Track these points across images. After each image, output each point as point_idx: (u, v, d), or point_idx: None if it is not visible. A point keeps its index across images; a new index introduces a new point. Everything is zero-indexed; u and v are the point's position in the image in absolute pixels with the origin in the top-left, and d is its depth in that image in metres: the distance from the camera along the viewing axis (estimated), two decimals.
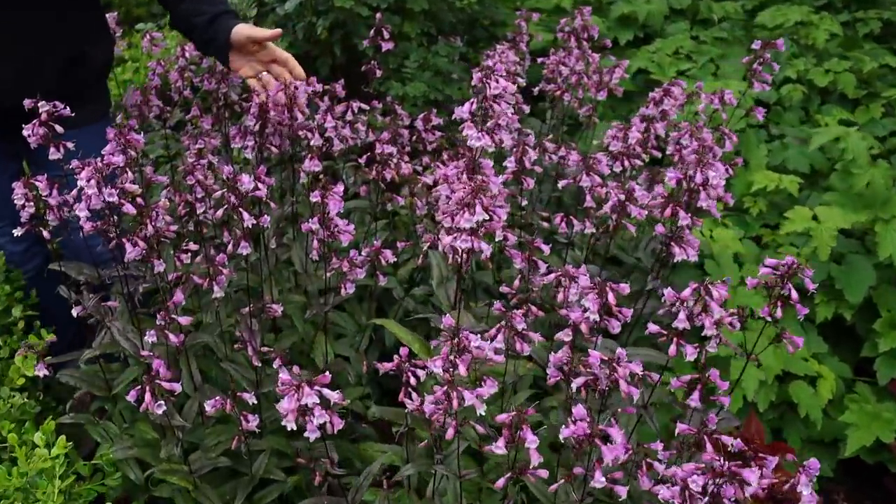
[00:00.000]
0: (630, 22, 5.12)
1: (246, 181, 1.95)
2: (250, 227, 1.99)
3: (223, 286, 2.20)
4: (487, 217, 1.89)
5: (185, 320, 1.94)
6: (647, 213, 2.43)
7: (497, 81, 1.91)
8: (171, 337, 1.91)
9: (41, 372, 2.14)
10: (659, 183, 2.74)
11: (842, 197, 3.34)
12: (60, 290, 2.31)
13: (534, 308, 2.24)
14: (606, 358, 1.77)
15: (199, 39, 2.54)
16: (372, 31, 3.34)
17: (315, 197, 2.15)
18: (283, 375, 1.63)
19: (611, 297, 1.87)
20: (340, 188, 2.22)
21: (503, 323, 2.01)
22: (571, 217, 2.50)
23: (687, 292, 1.74)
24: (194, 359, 2.35)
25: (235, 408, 1.93)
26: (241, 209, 1.98)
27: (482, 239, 1.94)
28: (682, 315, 1.73)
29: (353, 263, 2.34)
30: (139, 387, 1.87)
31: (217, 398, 1.96)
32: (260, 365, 2.24)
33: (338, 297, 2.38)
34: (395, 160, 2.80)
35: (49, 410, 2.70)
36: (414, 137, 3.42)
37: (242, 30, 2.43)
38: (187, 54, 3.23)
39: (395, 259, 2.56)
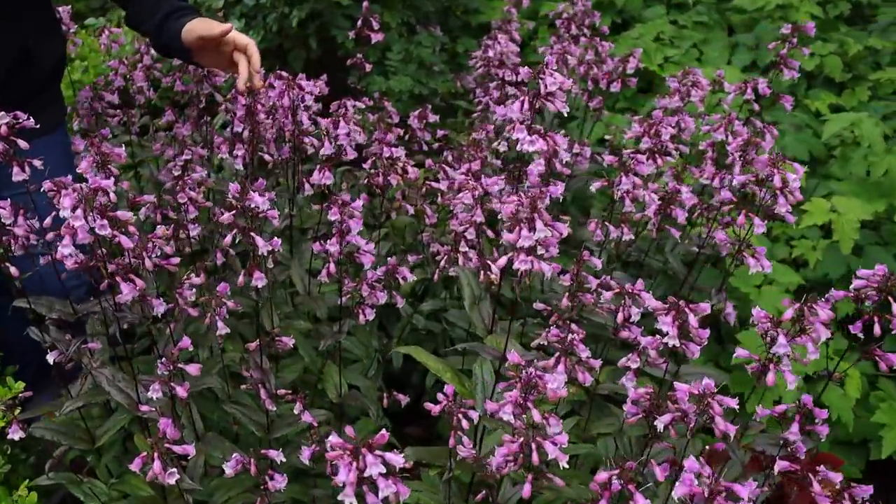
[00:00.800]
0: (607, 7, 4.92)
1: (259, 201, 1.65)
2: (266, 254, 1.69)
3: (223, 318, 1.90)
4: (548, 233, 1.63)
5: (193, 369, 1.64)
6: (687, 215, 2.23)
7: (552, 76, 1.66)
8: (179, 390, 1.60)
9: (16, 435, 1.81)
10: (678, 180, 2.54)
11: (857, 186, 3.21)
12: (31, 333, 1.97)
13: (574, 327, 2.02)
14: (696, 391, 1.55)
15: (156, 45, 2.24)
16: (359, 22, 3.04)
17: (334, 215, 1.86)
18: (334, 439, 1.35)
19: (692, 320, 1.65)
20: (359, 203, 1.93)
21: (564, 351, 1.77)
22: (607, 223, 2.26)
23: (788, 314, 1.52)
24: (193, 402, 2.04)
25: (258, 466, 1.64)
26: (253, 234, 1.68)
27: (539, 258, 1.68)
28: (782, 340, 1.52)
29: (374, 286, 2.06)
30: (143, 454, 1.56)
31: (237, 457, 1.67)
32: (274, 409, 1.95)
33: (349, 324, 2.10)
34: (401, 164, 2.52)
35: (18, 463, 2.36)
36: (406, 136, 3.15)
37: (193, 31, 2.09)
38: (152, 51, 2.87)
39: (414, 278, 2.29)
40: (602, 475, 1.38)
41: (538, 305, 2.27)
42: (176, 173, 2.19)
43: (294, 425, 2.06)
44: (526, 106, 1.68)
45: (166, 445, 1.56)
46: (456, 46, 4.32)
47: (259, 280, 1.71)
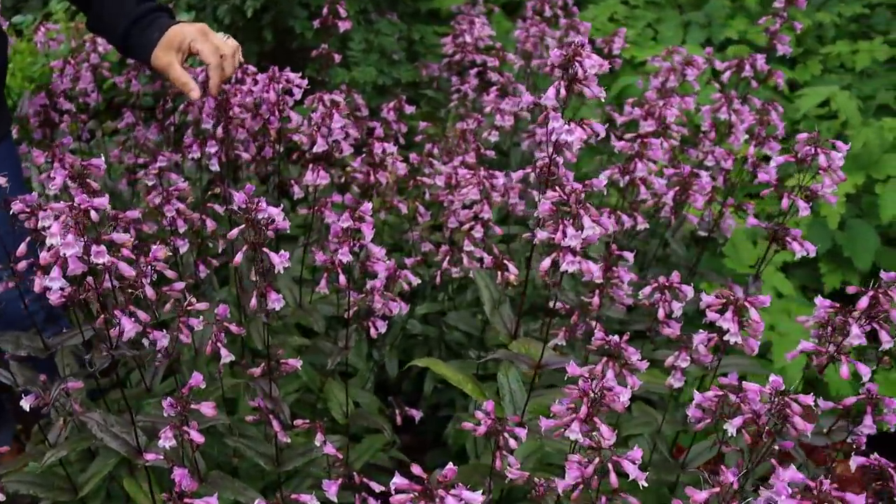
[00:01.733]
0: None
1: (274, 212, 1.45)
2: (282, 271, 1.49)
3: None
4: (597, 230, 1.49)
5: (209, 409, 1.43)
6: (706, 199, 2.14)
7: (591, 58, 1.52)
8: (195, 435, 1.39)
9: None
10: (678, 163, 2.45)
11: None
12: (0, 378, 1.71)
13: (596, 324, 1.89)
14: (769, 390, 1.44)
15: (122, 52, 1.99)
16: (325, 10, 2.81)
17: (345, 221, 1.67)
18: (400, 481, 1.18)
19: (754, 315, 1.54)
20: (369, 206, 1.75)
21: (612, 354, 1.64)
22: (619, 213, 2.15)
23: (863, 302, 1.43)
24: None
25: None
26: (265, 251, 1.47)
27: (581, 257, 1.54)
28: (856, 330, 1.43)
29: (387, 296, 1.88)
30: None
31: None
32: (288, 440, 1.75)
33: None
34: (391, 159, 2.34)
35: None
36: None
37: (167, 68, 1.87)
38: (100, 48, 2.59)
39: (418, 281, 2.12)
40: (700, 495, 1.25)
41: (557, 304, 2.14)
42: (150, 183, 1.95)
43: (307, 456, 1.86)
44: (563, 92, 1.54)
45: (186, 502, 1.35)
46: (412, 34, 4.13)
47: (276, 302, 1.50)
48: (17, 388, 1.73)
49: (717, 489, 1.26)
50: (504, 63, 2.82)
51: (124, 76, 2.52)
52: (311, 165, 1.86)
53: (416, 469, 1.22)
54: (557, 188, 1.58)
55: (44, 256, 1.27)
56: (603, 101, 2.86)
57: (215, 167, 1.89)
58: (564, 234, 1.51)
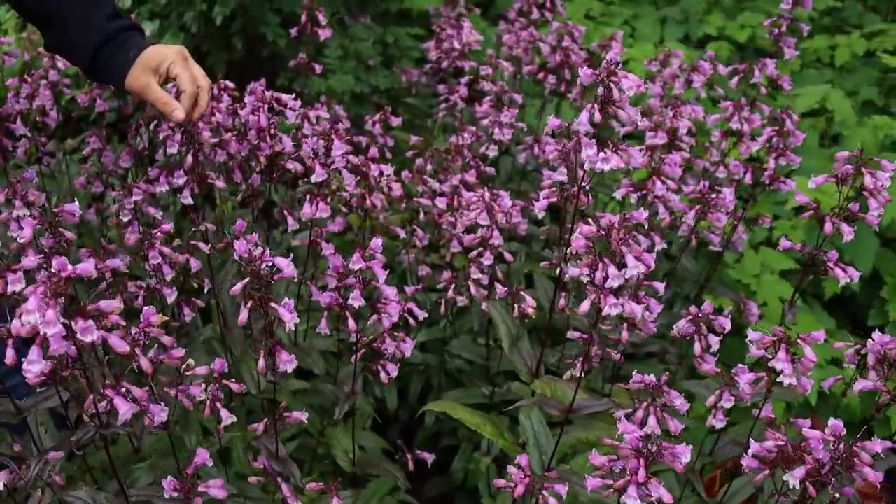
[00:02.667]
0: None
1: (282, 263, 1.28)
2: (293, 328, 1.32)
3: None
4: (641, 270, 1.36)
5: (218, 491, 1.25)
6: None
7: (627, 78, 1.38)
8: None
9: None
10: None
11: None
12: None
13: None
14: (831, 437, 1.33)
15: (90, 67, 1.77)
16: (303, 17, 2.63)
17: (357, 263, 1.50)
18: None
19: (808, 353, 1.42)
20: (379, 243, 1.59)
21: (653, 396, 1.51)
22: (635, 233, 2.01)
23: None
24: None
25: None
26: (275, 305, 1.30)
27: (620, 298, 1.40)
28: None
29: (396, 336, 1.72)
30: None
31: None
32: None
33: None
34: (385, 181, 2.17)
35: None
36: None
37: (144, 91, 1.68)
38: (60, 64, 2.36)
39: (425, 315, 1.96)
40: None
41: (573, 334, 2.00)
42: (125, 219, 1.75)
43: None
44: (597, 116, 1.39)
45: None
46: (385, 37, 3.95)
47: (288, 363, 1.33)
48: None
49: None
50: (497, 70, 2.67)
51: (87, 94, 2.29)
52: (309, 197, 1.68)
53: None
54: (591, 221, 1.44)
55: (17, 326, 1.08)
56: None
57: (187, 200, 1.70)
58: (606, 276, 1.37)
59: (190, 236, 1.71)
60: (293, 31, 2.67)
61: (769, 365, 1.44)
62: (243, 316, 1.30)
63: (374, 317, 1.62)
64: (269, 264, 1.32)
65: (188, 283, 1.89)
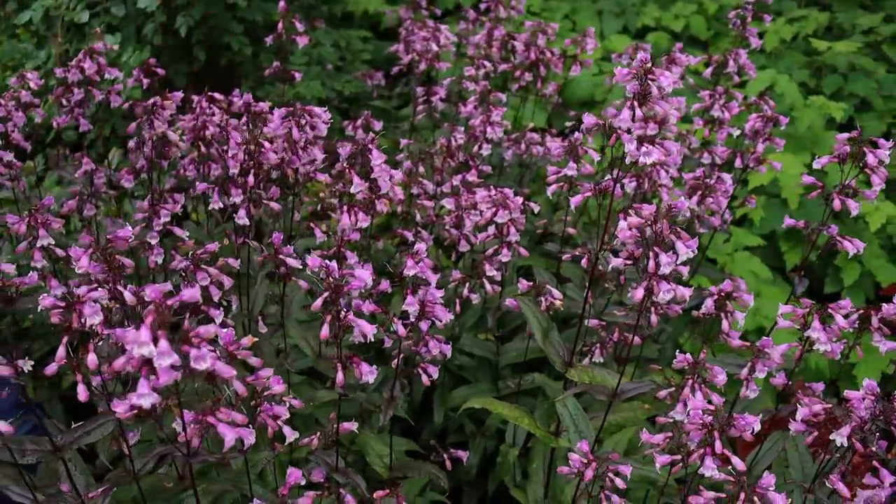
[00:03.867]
0: None
1: (364, 275, 1.28)
2: (371, 339, 1.33)
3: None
4: (691, 255, 1.43)
5: None
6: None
7: (665, 76, 1.44)
8: None
9: None
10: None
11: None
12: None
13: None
14: (871, 395, 1.45)
15: None
16: (279, 25, 2.59)
17: (410, 268, 1.52)
18: None
19: (840, 321, 1.54)
20: (423, 247, 1.61)
21: (695, 374, 1.60)
22: None
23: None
24: None
25: None
26: (355, 319, 1.31)
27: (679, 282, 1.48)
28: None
29: (440, 339, 1.75)
30: None
31: None
32: None
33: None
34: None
35: None
36: None
37: None
38: (32, 84, 2.26)
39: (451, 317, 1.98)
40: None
41: (592, 322, 2.08)
42: (153, 241, 1.70)
43: None
44: (638, 112, 1.46)
45: None
46: (339, 40, 3.93)
47: (370, 374, 1.34)
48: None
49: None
50: (478, 70, 2.71)
51: (70, 110, 2.20)
52: (345, 207, 1.68)
53: None
54: (633, 212, 1.51)
55: (121, 363, 1.06)
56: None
57: (243, 220, 1.67)
58: (658, 263, 1.44)
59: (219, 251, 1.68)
60: (268, 39, 2.63)
61: (805, 335, 1.55)
62: (325, 331, 1.30)
63: (422, 321, 1.64)
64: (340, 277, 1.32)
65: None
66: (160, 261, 1.62)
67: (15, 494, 1.52)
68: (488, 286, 2.12)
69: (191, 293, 1.06)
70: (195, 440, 1.18)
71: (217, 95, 2.28)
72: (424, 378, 1.77)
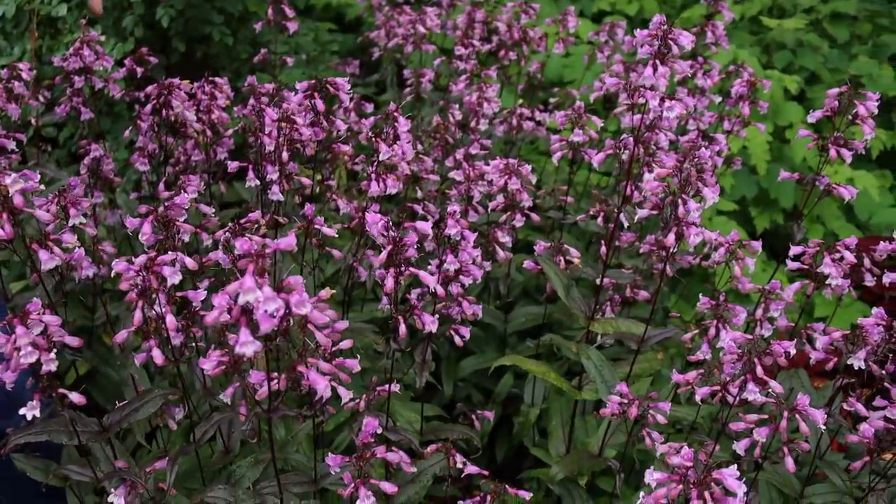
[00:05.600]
0: None
1: (424, 227, 1.34)
2: (433, 289, 1.38)
3: None
4: (717, 199, 1.54)
5: (393, 456, 1.30)
6: None
7: (683, 35, 1.54)
8: (385, 486, 1.27)
9: None
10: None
11: (756, 115, 3.50)
12: None
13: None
14: (882, 321, 1.58)
15: None
16: (269, 10, 2.61)
17: (451, 227, 1.58)
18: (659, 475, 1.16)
19: (849, 256, 1.67)
20: (456, 207, 1.67)
21: (719, 318, 1.70)
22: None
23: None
24: None
25: None
26: (417, 271, 1.36)
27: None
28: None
29: (472, 300, 1.81)
30: None
31: None
32: (415, 471, 1.64)
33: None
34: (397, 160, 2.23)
35: None
36: None
37: None
38: (24, 76, 2.22)
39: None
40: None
41: (605, 281, 2.17)
42: (180, 218, 1.71)
43: (417, 482, 1.75)
44: (661, 69, 1.55)
45: None
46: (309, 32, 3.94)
47: (432, 325, 1.39)
48: (100, 483, 1.47)
49: None
50: (469, 50, 2.78)
51: (66, 104, 2.17)
52: (374, 175, 1.73)
53: (673, 459, 1.19)
54: (657, 164, 1.61)
55: (214, 316, 1.08)
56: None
57: (277, 196, 1.69)
58: (688, 209, 1.54)
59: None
60: (258, 26, 2.64)
61: (817, 271, 1.67)
62: (390, 283, 1.35)
63: (455, 283, 1.69)
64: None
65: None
66: (186, 238, 1.64)
67: (75, 473, 1.51)
68: (501, 253, 2.19)
69: (287, 241, 1.10)
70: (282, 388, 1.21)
71: (218, 80, 2.29)
72: (457, 339, 1.82)
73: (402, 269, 1.36)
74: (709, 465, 1.16)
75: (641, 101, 1.61)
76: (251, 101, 2.02)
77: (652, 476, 1.18)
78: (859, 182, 3.34)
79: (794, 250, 1.74)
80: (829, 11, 4.43)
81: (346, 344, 1.41)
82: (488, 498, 1.56)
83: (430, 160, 2.49)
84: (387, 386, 1.69)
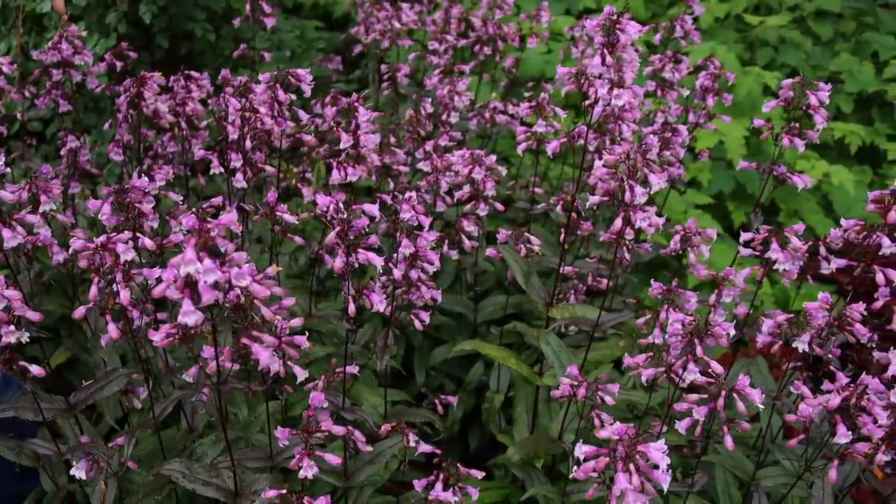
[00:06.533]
0: None
1: (372, 210, 1.39)
2: (380, 269, 1.43)
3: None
4: (664, 185, 1.59)
5: (339, 429, 1.35)
6: None
7: (631, 25, 1.59)
8: (329, 457, 1.32)
9: None
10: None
11: (722, 108, 3.56)
12: None
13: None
14: (826, 305, 1.62)
15: None
16: (248, 6, 2.66)
17: (406, 212, 1.63)
18: (587, 448, 1.20)
19: (795, 241, 1.71)
20: (414, 195, 1.72)
21: (671, 302, 1.75)
22: None
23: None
24: None
25: None
26: (364, 252, 1.41)
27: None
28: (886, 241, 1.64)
29: (431, 285, 1.86)
30: None
31: None
32: (371, 450, 1.69)
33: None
34: (367, 152, 2.28)
35: None
36: None
37: None
38: (4, 69, 2.28)
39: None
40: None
41: (567, 269, 2.22)
42: (149, 205, 1.76)
43: (376, 462, 1.81)
44: (608, 59, 1.60)
45: None
46: (293, 28, 4.00)
47: (380, 304, 1.44)
48: (62, 457, 1.52)
49: (847, 392, 1.41)
50: (444, 45, 2.83)
51: (44, 97, 2.23)
52: (335, 163, 1.78)
53: (602, 433, 1.24)
54: (606, 151, 1.65)
55: (160, 289, 1.14)
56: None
57: (241, 183, 1.74)
58: (634, 194, 1.58)
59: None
60: (236, 22, 2.70)
61: (765, 256, 1.72)
62: (338, 263, 1.40)
63: (416, 269, 1.74)
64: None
65: None
66: (156, 226, 1.69)
67: (41, 448, 1.57)
68: (467, 242, 2.24)
69: (228, 217, 1.15)
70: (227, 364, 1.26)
71: (194, 74, 2.35)
72: (417, 323, 1.87)
73: (353, 251, 1.41)
74: (635, 439, 1.20)
75: (592, 90, 1.65)
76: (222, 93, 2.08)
77: (581, 450, 1.23)
78: (836, 177, 3.39)
79: (745, 236, 1.79)
80: (813, 9, 4.47)
81: (296, 322, 1.46)
82: (441, 475, 1.61)
83: (402, 152, 2.54)
84: (347, 368, 1.74)
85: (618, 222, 1.61)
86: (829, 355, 1.68)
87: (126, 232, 1.29)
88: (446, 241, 2.29)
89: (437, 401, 2.24)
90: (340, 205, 1.38)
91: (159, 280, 1.15)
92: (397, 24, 2.88)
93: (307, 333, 1.48)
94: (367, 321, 2.24)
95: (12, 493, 2.02)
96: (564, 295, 2.27)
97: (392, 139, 2.61)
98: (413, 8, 3.44)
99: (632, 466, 1.18)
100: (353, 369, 1.75)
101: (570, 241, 2.14)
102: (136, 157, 2.10)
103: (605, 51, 1.61)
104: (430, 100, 2.64)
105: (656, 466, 1.19)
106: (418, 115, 2.57)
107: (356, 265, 1.43)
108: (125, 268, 1.25)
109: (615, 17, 1.61)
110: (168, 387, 1.73)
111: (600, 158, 1.67)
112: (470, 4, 3.35)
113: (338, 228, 1.38)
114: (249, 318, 1.27)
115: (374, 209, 1.40)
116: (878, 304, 1.66)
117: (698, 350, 1.46)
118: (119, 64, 2.44)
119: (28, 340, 1.42)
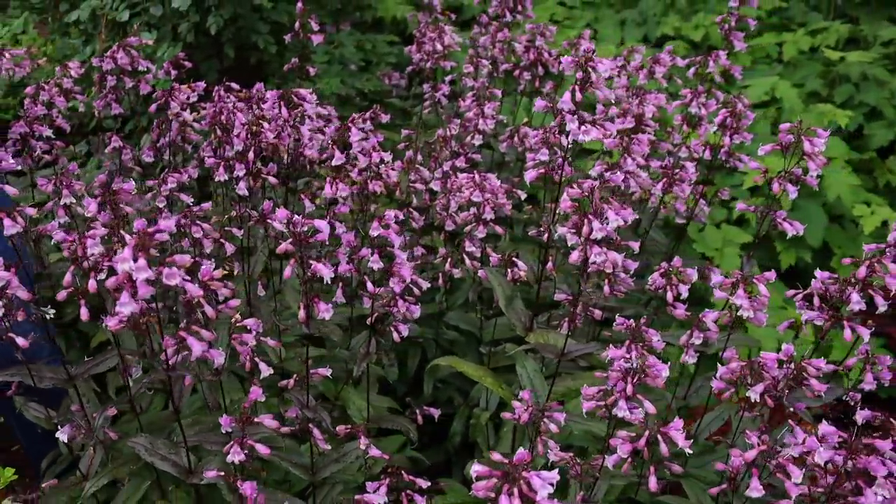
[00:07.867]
0: None
1: (321, 224, 1.50)
2: (329, 281, 1.54)
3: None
4: (621, 222, 1.61)
5: (270, 422, 1.47)
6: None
7: (603, 63, 1.63)
8: (260, 448, 1.44)
9: None
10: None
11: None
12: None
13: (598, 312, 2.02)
14: (784, 357, 1.59)
15: None
16: (297, 24, 2.85)
17: (375, 230, 1.73)
18: (479, 468, 1.26)
19: (762, 290, 1.68)
20: (392, 214, 1.81)
21: (634, 337, 1.75)
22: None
23: (861, 272, 1.59)
24: None
25: None
26: (313, 261, 1.52)
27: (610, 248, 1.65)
28: (856, 297, 1.59)
29: (409, 300, 1.95)
30: None
31: None
32: (329, 448, 1.79)
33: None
34: (385, 168, 2.39)
35: None
36: None
37: None
38: (73, 73, 2.55)
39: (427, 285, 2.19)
40: (750, 454, 1.38)
41: (559, 296, 2.24)
42: (161, 205, 1.95)
43: (342, 462, 1.91)
44: (578, 96, 1.64)
45: None
46: (364, 43, 4.19)
47: (326, 312, 1.55)
48: (53, 422, 1.72)
49: (764, 447, 1.39)
50: (478, 69, 2.92)
51: (102, 100, 2.48)
52: (329, 179, 1.90)
53: (495, 456, 1.29)
54: (576, 185, 1.69)
55: (112, 282, 1.29)
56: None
57: (243, 192, 1.91)
58: (591, 229, 1.61)
59: (223, 223, 1.92)
60: (287, 37, 2.88)
61: (730, 301, 1.70)
62: (288, 271, 1.52)
63: (390, 283, 1.84)
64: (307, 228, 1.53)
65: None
66: (142, 224, 1.86)
67: (32, 410, 1.77)
68: (468, 261, 2.31)
69: (167, 224, 1.29)
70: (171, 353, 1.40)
71: (234, 85, 2.54)
72: (395, 335, 1.96)
73: (306, 262, 1.53)
74: (522, 465, 1.24)
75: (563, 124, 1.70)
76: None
77: (474, 469, 1.28)
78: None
79: (715, 280, 1.77)
80: None
81: (251, 323, 1.59)
82: (387, 480, 1.69)
83: (426, 171, 2.64)
84: (318, 370, 1.86)
85: (574, 255, 1.64)
86: (792, 409, 1.64)
87: (100, 229, 1.45)
88: (450, 260, 2.37)
89: (417, 411, 2.32)
90: (297, 217, 1.50)
91: (111, 272, 1.30)
92: (439, 46, 2.99)
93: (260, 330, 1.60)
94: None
95: (41, 453, 2.27)
96: (559, 323, 2.30)
97: (420, 157, 2.72)
98: (473, 29, 3.55)
99: (515, 490, 1.22)
100: (325, 372, 1.86)
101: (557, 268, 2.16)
102: (169, 160, 2.31)
103: (577, 87, 1.65)
104: (458, 121, 2.72)
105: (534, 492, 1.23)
106: (444, 136, 2.66)
107: (311, 275, 1.55)
108: (92, 259, 1.41)
109: (589, 55, 1.64)
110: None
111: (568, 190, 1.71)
112: (523, 31, 3.42)
113: (290, 240, 1.50)
114: (195, 314, 1.41)
115: (322, 224, 1.51)
116: None
117: (629, 388, 1.48)
118: (174, 72, 2.66)
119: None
